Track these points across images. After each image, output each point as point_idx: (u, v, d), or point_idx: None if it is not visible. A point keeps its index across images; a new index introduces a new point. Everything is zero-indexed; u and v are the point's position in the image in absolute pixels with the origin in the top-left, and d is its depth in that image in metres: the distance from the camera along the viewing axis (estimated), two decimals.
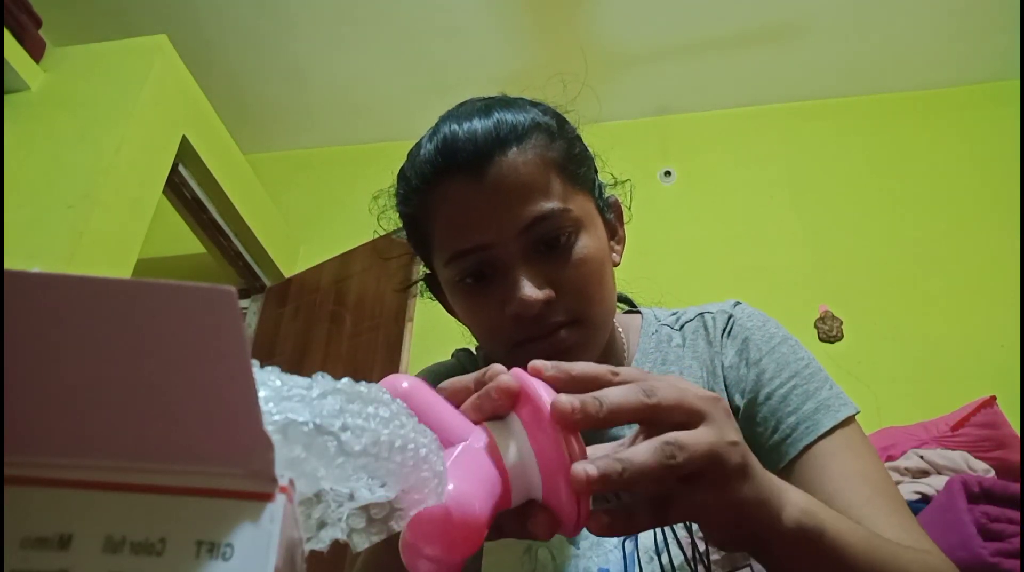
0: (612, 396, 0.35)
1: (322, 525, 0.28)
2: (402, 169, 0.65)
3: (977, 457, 1.67)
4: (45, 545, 0.19)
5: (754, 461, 0.37)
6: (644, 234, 2.72)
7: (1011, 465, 1.68)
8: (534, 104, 0.64)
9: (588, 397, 0.34)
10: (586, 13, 2.59)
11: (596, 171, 0.67)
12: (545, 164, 0.58)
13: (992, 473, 1.64)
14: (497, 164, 0.56)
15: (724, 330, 0.65)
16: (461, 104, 0.65)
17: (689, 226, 2.64)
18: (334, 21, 2.63)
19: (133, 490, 0.20)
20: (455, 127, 0.58)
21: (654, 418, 0.35)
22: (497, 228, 0.56)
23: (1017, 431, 1.78)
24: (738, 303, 0.68)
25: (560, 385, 0.36)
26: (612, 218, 0.67)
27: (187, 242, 2.63)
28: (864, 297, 2.40)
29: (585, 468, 0.32)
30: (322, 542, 0.28)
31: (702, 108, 2.93)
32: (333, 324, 2.37)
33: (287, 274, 2.72)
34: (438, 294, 0.70)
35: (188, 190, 2.30)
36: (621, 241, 0.68)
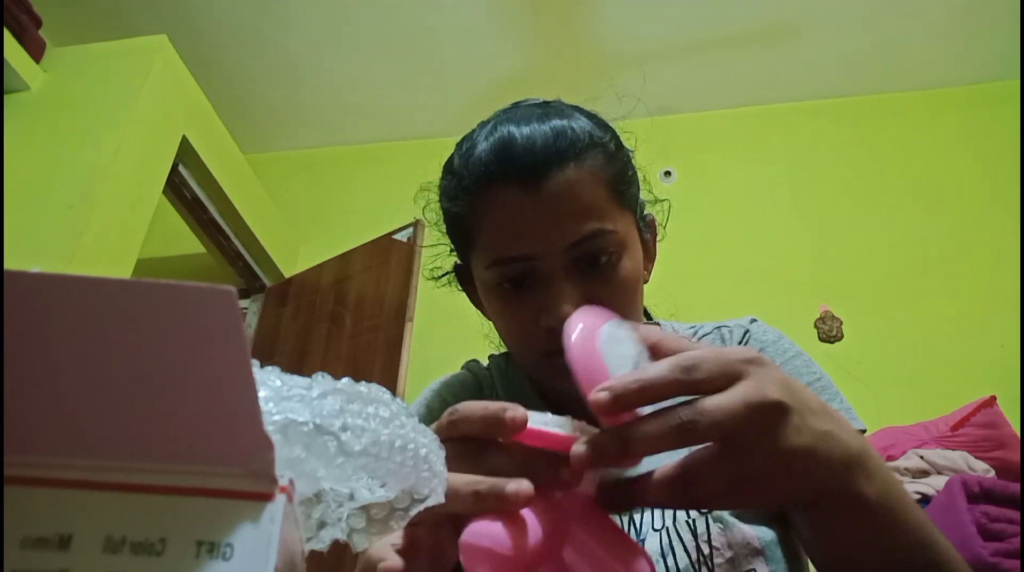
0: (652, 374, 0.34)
1: (322, 525, 0.28)
2: (451, 163, 0.64)
3: (977, 457, 1.67)
4: (45, 545, 0.19)
5: (818, 448, 0.35)
6: None
7: (1011, 465, 1.68)
8: (589, 116, 0.64)
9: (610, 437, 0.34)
10: (586, 13, 2.59)
11: (639, 189, 0.67)
12: (599, 183, 0.58)
13: (992, 473, 1.64)
14: (553, 178, 0.56)
15: (740, 343, 0.66)
16: (516, 105, 0.65)
17: (689, 226, 2.63)
18: (334, 21, 2.63)
19: (133, 490, 0.20)
20: (512, 130, 0.58)
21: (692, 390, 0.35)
22: (545, 241, 0.56)
23: (1017, 431, 1.78)
24: (754, 320, 0.69)
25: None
26: (649, 239, 0.68)
27: (187, 242, 2.63)
28: (864, 297, 2.40)
29: (597, 393, 0.33)
30: (322, 542, 0.28)
31: (702, 108, 2.93)
32: (333, 324, 2.37)
33: (287, 274, 2.72)
34: (466, 286, 0.70)
35: (188, 190, 2.30)
36: (652, 259, 0.69)
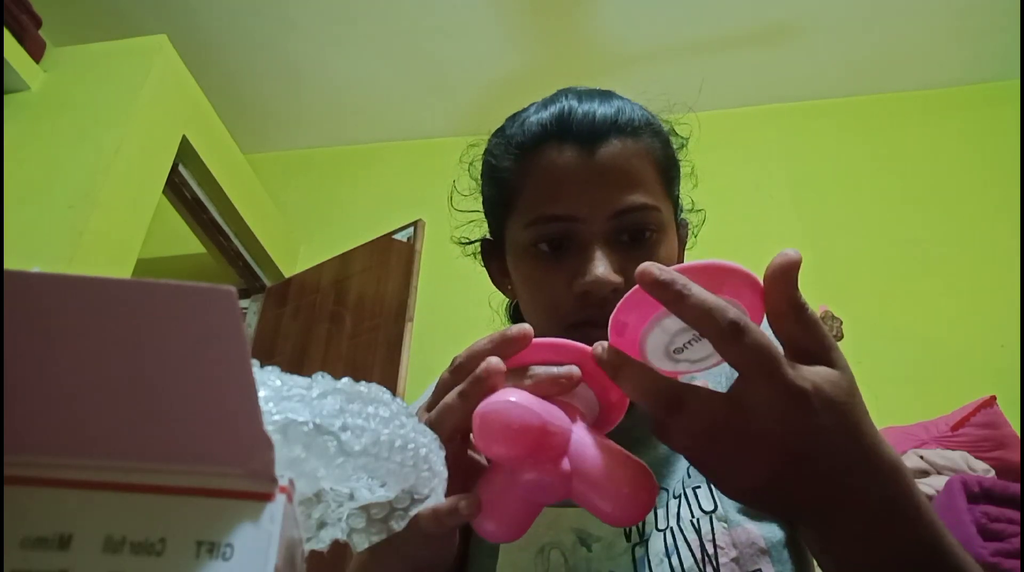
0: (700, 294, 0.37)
1: (322, 525, 0.28)
2: (501, 130, 0.66)
3: (977, 457, 1.67)
4: (45, 545, 0.19)
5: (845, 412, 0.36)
6: None
7: (1011, 465, 1.68)
8: (644, 108, 0.66)
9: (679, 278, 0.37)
10: (586, 13, 2.59)
11: (680, 189, 0.69)
12: (651, 162, 0.60)
13: (992, 473, 1.64)
14: (609, 145, 0.58)
15: None
16: (583, 87, 0.66)
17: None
18: (334, 21, 2.63)
19: (133, 490, 0.20)
20: (575, 103, 0.60)
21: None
22: (591, 204, 0.57)
23: (1017, 431, 1.78)
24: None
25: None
26: (683, 237, 0.69)
27: (187, 242, 2.63)
28: (864, 297, 2.39)
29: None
30: (322, 542, 0.28)
31: (702, 108, 2.92)
32: (333, 324, 2.37)
33: (287, 274, 2.72)
34: (490, 264, 0.70)
35: (188, 190, 2.30)
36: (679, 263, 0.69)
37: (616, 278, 0.55)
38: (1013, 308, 2.24)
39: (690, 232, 0.72)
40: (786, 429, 0.35)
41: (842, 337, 2.34)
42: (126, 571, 0.19)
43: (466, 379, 0.38)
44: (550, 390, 0.38)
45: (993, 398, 1.76)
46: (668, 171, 0.62)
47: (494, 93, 2.81)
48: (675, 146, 0.66)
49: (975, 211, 2.49)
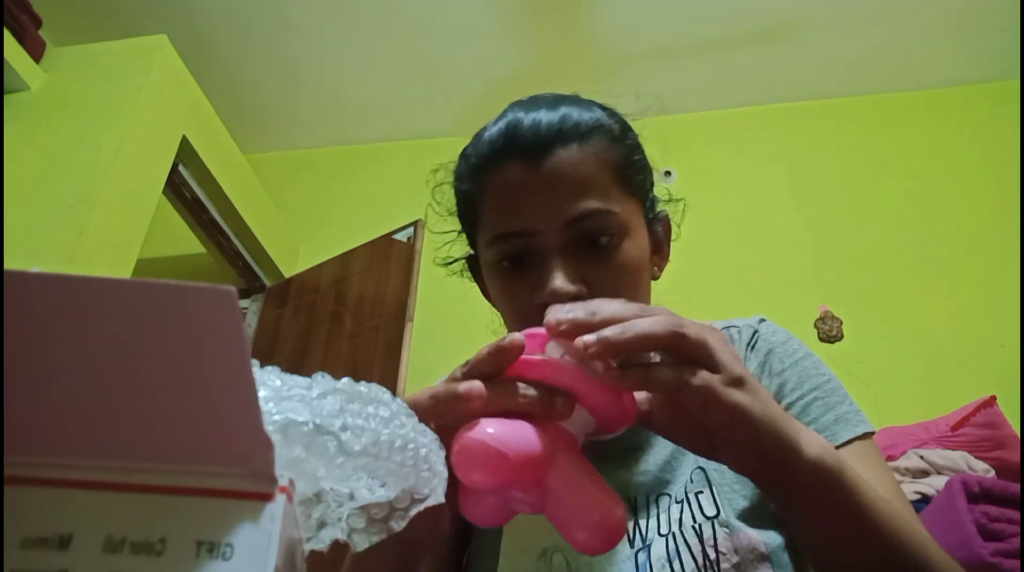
0: (609, 308, 0.39)
1: (322, 525, 0.28)
2: (464, 148, 0.66)
3: (977, 457, 1.67)
4: (45, 545, 0.19)
5: (772, 411, 0.41)
6: None
7: (1011, 465, 1.68)
8: (602, 107, 0.65)
9: (580, 310, 0.39)
10: (586, 13, 2.59)
11: (652, 184, 0.68)
12: (602, 165, 0.59)
13: (992, 473, 1.64)
14: (556, 156, 0.58)
15: (748, 343, 0.66)
16: (532, 96, 0.66)
17: (689, 226, 2.63)
18: (334, 21, 2.63)
19: (133, 490, 0.20)
20: (521, 115, 0.60)
21: (671, 347, 0.39)
22: (544, 217, 0.57)
23: (1017, 431, 1.78)
24: (763, 320, 0.69)
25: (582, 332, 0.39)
26: (660, 232, 0.68)
27: (187, 242, 2.63)
28: (864, 297, 2.39)
29: (585, 338, 0.38)
30: (322, 542, 0.28)
31: (702, 108, 2.93)
32: (333, 324, 2.37)
33: (287, 274, 2.72)
34: (477, 277, 0.70)
35: (188, 190, 2.30)
36: (665, 257, 0.69)
37: (572, 287, 0.55)
38: (1013, 308, 2.24)
39: (673, 222, 0.71)
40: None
41: (842, 337, 2.34)
42: (126, 571, 0.19)
43: (443, 389, 0.39)
44: (535, 413, 0.39)
45: (993, 398, 1.76)
46: (624, 171, 0.61)
47: (494, 93, 2.81)
48: (633, 142, 0.65)
49: (975, 211, 2.49)
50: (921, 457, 1.69)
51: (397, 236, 2.37)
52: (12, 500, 0.20)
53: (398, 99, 2.94)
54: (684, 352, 0.39)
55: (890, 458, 1.74)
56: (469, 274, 0.73)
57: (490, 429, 0.36)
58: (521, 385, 0.39)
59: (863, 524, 0.42)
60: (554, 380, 0.39)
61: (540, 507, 0.38)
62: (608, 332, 0.38)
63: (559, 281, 0.55)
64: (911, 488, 1.63)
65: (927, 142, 2.68)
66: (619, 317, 0.39)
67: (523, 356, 0.40)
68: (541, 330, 0.41)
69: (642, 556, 0.55)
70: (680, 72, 2.79)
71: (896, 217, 2.54)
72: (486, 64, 2.76)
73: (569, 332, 0.39)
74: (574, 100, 0.63)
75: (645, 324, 0.38)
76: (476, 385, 0.38)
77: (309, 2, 2.56)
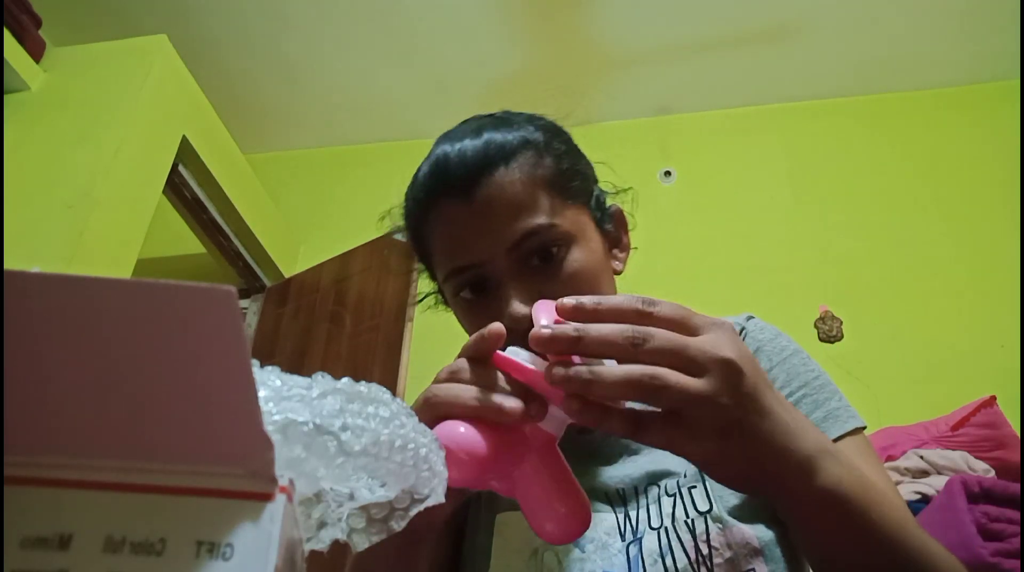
0: (596, 327, 0.38)
1: (322, 525, 0.28)
2: (407, 188, 0.67)
3: (977, 457, 1.67)
4: (45, 545, 0.19)
5: (761, 428, 0.39)
6: (644, 234, 2.72)
7: (1011, 465, 1.68)
8: (530, 119, 0.65)
9: (568, 326, 0.39)
10: (586, 13, 2.59)
11: (595, 181, 0.68)
12: (533, 181, 0.59)
13: (992, 473, 1.64)
14: (485, 184, 0.58)
15: None
16: (461, 123, 0.67)
17: (689, 226, 2.63)
18: (334, 21, 2.63)
19: (133, 490, 0.20)
20: (447, 148, 0.61)
21: (641, 359, 0.38)
22: (487, 246, 0.58)
23: (1017, 431, 1.78)
24: (751, 317, 0.69)
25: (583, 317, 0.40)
26: (612, 228, 0.67)
27: (187, 242, 2.63)
28: (864, 297, 2.39)
29: (541, 329, 0.38)
30: (322, 542, 0.28)
31: (702, 108, 2.93)
32: (333, 324, 2.37)
33: (287, 274, 2.72)
34: (449, 307, 0.71)
35: (188, 190, 2.30)
36: (625, 249, 0.69)
37: (527, 309, 0.56)
38: (1013, 308, 2.24)
39: (629, 214, 0.71)
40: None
41: (842, 337, 2.34)
42: (126, 571, 0.19)
43: (491, 396, 0.40)
44: (508, 420, 0.40)
45: (993, 398, 1.76)
46: (558, 180, 0.61)
47: (494, 93, 2.81)
48: (562, 149, 0.64)
49: (975, 211, 2.49)
50: (921, 457, 1.69)
51: (397, 236, 2.36)
52: (12, 500, 0.20)
53: (398, 99, 2.93)
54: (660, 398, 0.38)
55: (890, 458, 1.74)
56: (444, 305, 0.73)
57: (461, 429, 0.38)
58: (498, 389, 0.41)
59: (876, 540, 0.42)
60: (530, 383, 0.41)
61: (512, 494, 0.41)
62: (584, 374, 0.38)
63: (515, 306, 0.56)
64: (911, 488, 1.63)
65: (927, 142, 2.68)
66: (610, 339, 0.38)
67: (508, 356, 0.41)
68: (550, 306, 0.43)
69: (633, 549, 0.56)
70: (680, 72, 2.79)
71: (896, 217, 2.54)
72: (486, 64, 2.76)
73: (552, 350, 0.39)
74: (498, 121, 0.63)
75: (619, 372, 0.37)
76: (519, 405, 0.40)
77: (309, 2, 2.56)
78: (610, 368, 0.38)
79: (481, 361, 0.42)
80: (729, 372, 0.38)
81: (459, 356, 0.43)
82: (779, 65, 2.75)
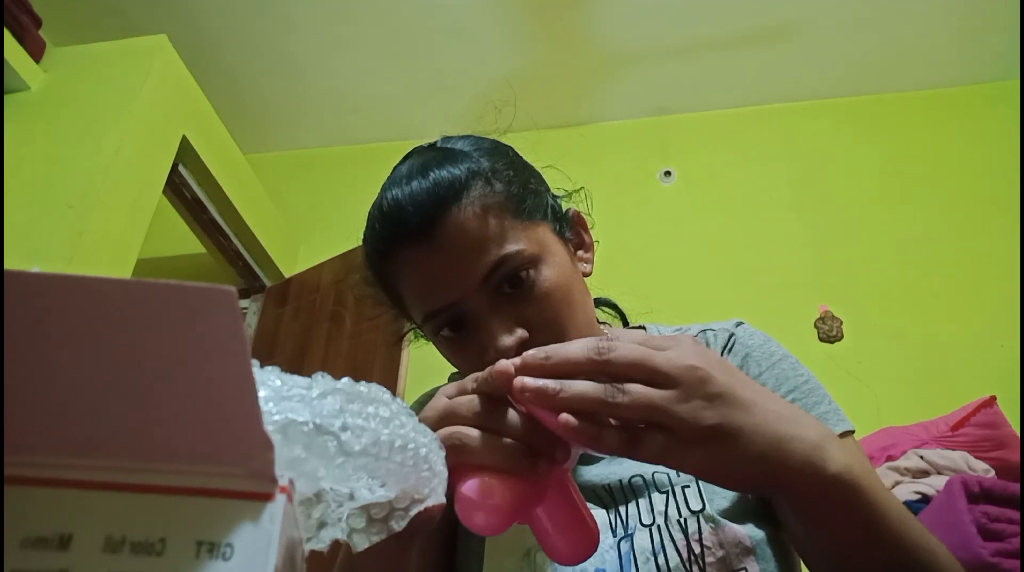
0: (568, 385, 0.39)
1: (322, 525, 0.28)
2: (364, 235, 0.67)
3: (977, 457, 1.67)
4: (45, 545, 0.19)
5: (746, 424, 0.39)
6: (644, 234, 2.73)
7: (1011, 465, 1.68)
8: (474, 143, 0.65)
9: (550, 382, 0.39)
10: (586, 13, 2.59)
11: (547, 191, 0.67)
12: (488, 212, 0.59)
13: (992, 473, 1.64)
14: (442, 225, 0.57)
15: (725, 347, 0.66)
16: (404, 159, 0.66)
17: (689, 226, 2.63)
18: (334, 21, 2.63)
19: (133, 490, 0.20)
20: (397, 193, 0.60)
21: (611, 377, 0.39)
22: (457, 286, 0.58)
23: (1017, 431, 1.78)
24: (740, 323, 0.69)
25: (543, 373, 0.40)
26: (573, 233, 0.67)
27: (187, 242, 2.63)
28: (864, 297, 2.39)
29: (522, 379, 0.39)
30: (322, 542, 0.28)
31: (702, 108, 2.93)
32: (333, 324, 2.37)
33: (287, 274, 2.72)
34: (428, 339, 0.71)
35: (188, 190, 2.30)
36: (589, 248, 0.69)
37: (513, 339, 0.57)
38: (1013, 308, 2.24)
39: (586, 214, 0.71)
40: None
41: (842, 337, 2.34)
42: (126, 571, 0.19)
43: (523, 450, 0.40)
44: (535, 471, 0.40)
45: (993, 398, 1.76)
46: (512, 203, 0.60)
47: (494, 93, 2.80)
48: (510, 172, 0.63)
49: (975, 211, 2.49)
50: (921, 457, 1.69)
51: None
52: (12, 500, 0.20)
53: (398, 99, 2.93)
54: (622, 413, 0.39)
55: (890, 458, 1.74)
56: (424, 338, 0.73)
57: (487, 480, 0.39)
58: (520, 434, 0.41)
59: (885, 529, 0.42)
60: (546, 422, 0.41)
61: (529, 523, 0.43)
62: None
63: (500, 339, 0.56)
64: (911, 488, 1.63)
65: (927, 142, 2.68)
66: (586, 396, 0.39)
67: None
68: None
69: (624, 545, 0.56)
70: (680, 72, 2.79)
71: (896, 217, 2.54)
72: (486, 64, 2.76)
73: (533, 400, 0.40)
74: (441, 154, 0.62)
75: (578, 388, 0.39)
76: (546, 460, 0.41)
77: (310, 2, 2.56)
78: (577, 383, 0.39)
79: (495, 399, 0.42)
80: (695, 377, 0.38)
81: (472, 390, 0.43)
82: (779, 65, 2.75)
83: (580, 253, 0.67)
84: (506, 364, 0.41)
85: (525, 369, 0.40)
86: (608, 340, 0.39)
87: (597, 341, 0.39)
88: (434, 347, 0.65)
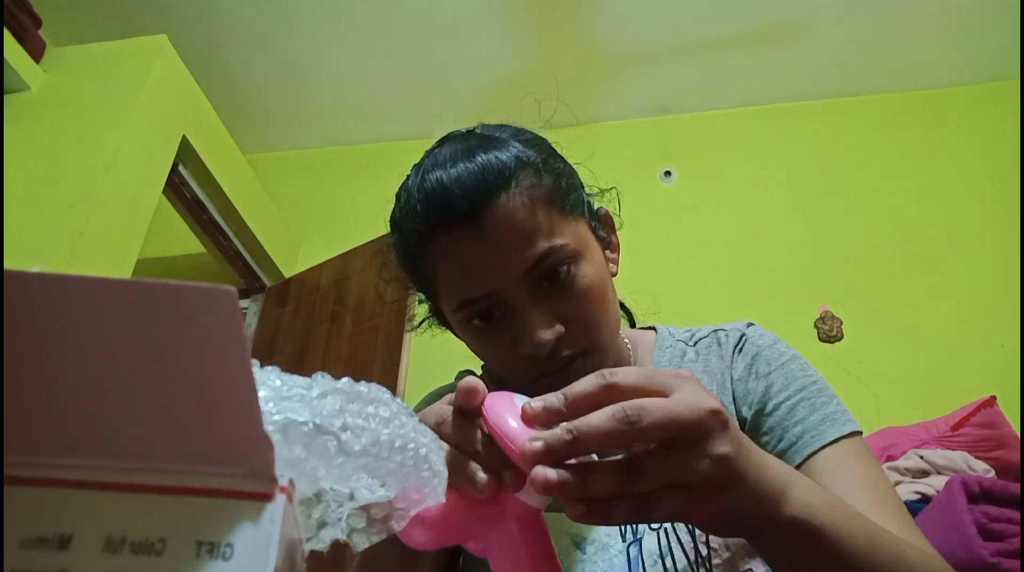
0: (586, 421, 0.36)
1: (322, 525, 0.28)
2: (394, 218, 0.64)
3: (977, 457, 1.67)
4: (45, 545, 0.19)
5: (748, 469, 0.37)
6: (644, 234, 2.73)
7: (1011, 465, 1.68)
8: (515, 135, 0.63)
9: (557, 431, 0.36)
10: (586, 13, 2.59)
11: (584, 190, 0.67)
12: (536, 203, 0.58)
13: (992, 473, 1.64)
14: (490, 213, 0.56)
15: (736, 346, 0.66)
16: (442, 142, 0.64)
17: (689, 226, 2.64)
18: (334, 21, 2.63)
19: (133, 490, 0.20)
20: (441, 175, 0.58)
21: (639, 438, 0.36)
22: (500, 276, 0.56)
23: (1017, 431, 1.78)
24: (751, 324, 0.69)
25: (553, 420, 0.37)
26: (605, 232, 0.67)
27: (187, 242, 2.63)
28: (864, 297, 2.39)
29: (532, 443, 0.35)
30: (322, 542, 0.28)
31: (702, 108, 2.93)
32: (333, 324, 2.37)
33: (287, 274, 2.72)
34: (446, 325, 0.70)
35: (188, 190, 2.30)
36: (616, 249, 0.68)
37: (552, 333, 0.56)
38: (1013, 308, 2.24)
39: (613, 214, 0.70)
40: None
41: (842, 337, 2.34)
42: (126, 571, 0.19)
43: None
44: (485, 493, 0.38)
45: (993, 398, 1.76)
46: (558, 197, 0.59)
47: (494, 93, 2.81)
48: (555, 163, 0.62)
49: (975, 211, 2.49)
50: (921, 457, 1.69)
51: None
52: (12, 500, 0.20)
53: (398, 99, 2.93)
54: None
55: (890, 458, 1.74)
56: (439, 327, 0.72)
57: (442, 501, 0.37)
58: (477, 452, 0.38)
59: (849, 559, 0.41)
60: (513, 458, 0.38)
61: (485, 555, 0.40)
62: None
63: (539, 331, 0.55)
64: (911, 488, 1.63)
65: (927, 142, 2.68)
66: (596, 429, 0.36)
67: (493, 422, 0.39)
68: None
69: (633, 550, 0.56)
70: (680, 72, 2.79)
71: (896, 217, 2.54)
72: (486, 64, 2.76)
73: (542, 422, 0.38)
74: (484, 140, 0.61)
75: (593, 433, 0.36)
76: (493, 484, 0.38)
77: (309, 2, 2.56)
78: (588, 417, 0.36)
79: (467, 414, 0.39)
80: (720, 422, 0.36)
81: (451, 402, 0.41)
82: (779, 65, 2.75)
83: (607, 253, 0.66)
84: (473, 381, 0.39)
85: (550, 453, 0.35)
86: (633, 408, 0.35)
87: (623, 408, 0.35)
88: (434, 346, 0.64)
